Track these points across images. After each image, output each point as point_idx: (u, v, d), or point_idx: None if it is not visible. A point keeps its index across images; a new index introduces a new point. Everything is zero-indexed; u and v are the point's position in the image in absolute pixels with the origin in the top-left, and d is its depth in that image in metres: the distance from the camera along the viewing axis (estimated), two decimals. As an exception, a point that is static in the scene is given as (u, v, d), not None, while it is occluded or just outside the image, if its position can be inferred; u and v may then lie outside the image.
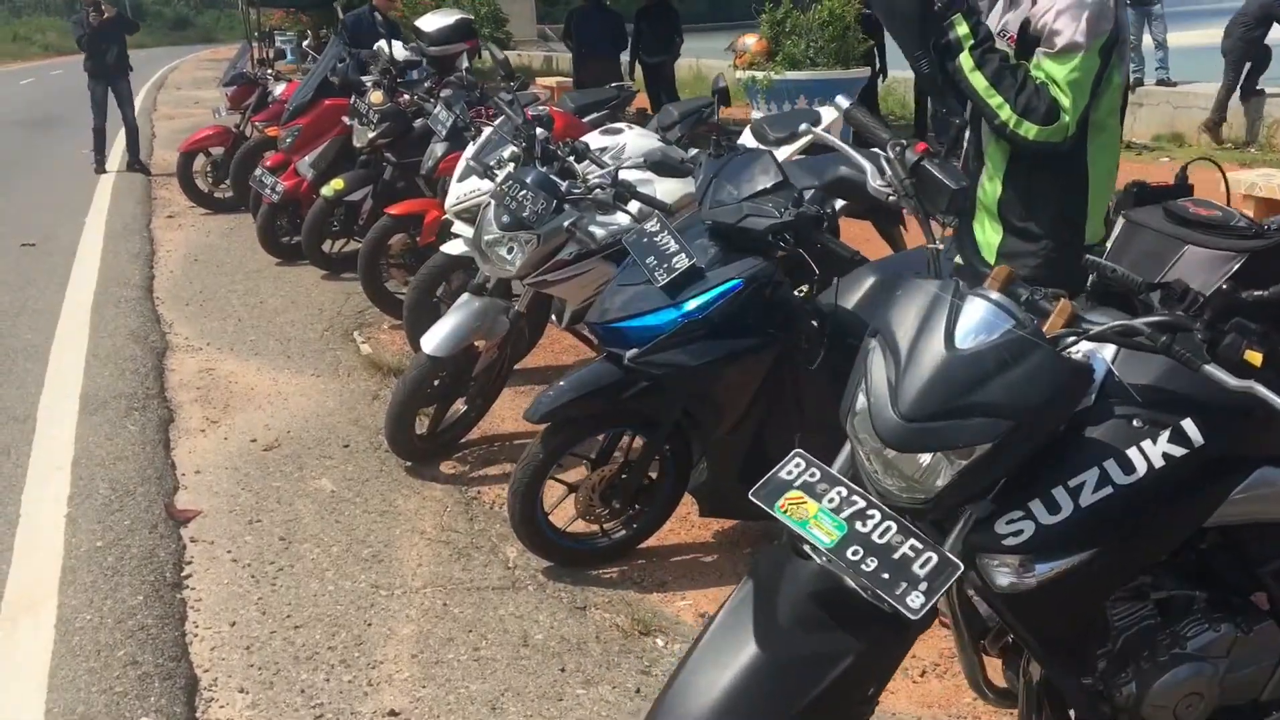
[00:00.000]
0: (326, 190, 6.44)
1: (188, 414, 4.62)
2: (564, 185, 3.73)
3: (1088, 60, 2.45)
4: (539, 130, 3.95)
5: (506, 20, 29.63)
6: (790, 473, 1.75)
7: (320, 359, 5.33)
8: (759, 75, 8.57)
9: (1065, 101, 2.46)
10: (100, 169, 11.05)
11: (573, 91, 8.22)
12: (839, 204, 3.73)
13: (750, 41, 8.97)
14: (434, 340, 3.81)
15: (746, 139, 4.92)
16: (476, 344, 3.95)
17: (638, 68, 12.34)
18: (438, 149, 5.66)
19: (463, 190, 4.59)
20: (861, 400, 1.69)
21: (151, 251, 7.68)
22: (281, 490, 3.89)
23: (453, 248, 4.70)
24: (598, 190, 3.74)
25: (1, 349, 5.49)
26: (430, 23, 8.68)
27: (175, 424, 4.53)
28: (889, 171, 2.79)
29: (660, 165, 3.65)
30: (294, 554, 3.43)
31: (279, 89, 8.80)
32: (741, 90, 9.11)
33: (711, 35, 23.52)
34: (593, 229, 3.75)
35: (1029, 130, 2.48)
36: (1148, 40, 11.76)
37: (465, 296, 3.97)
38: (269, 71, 8.88)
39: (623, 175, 3.73)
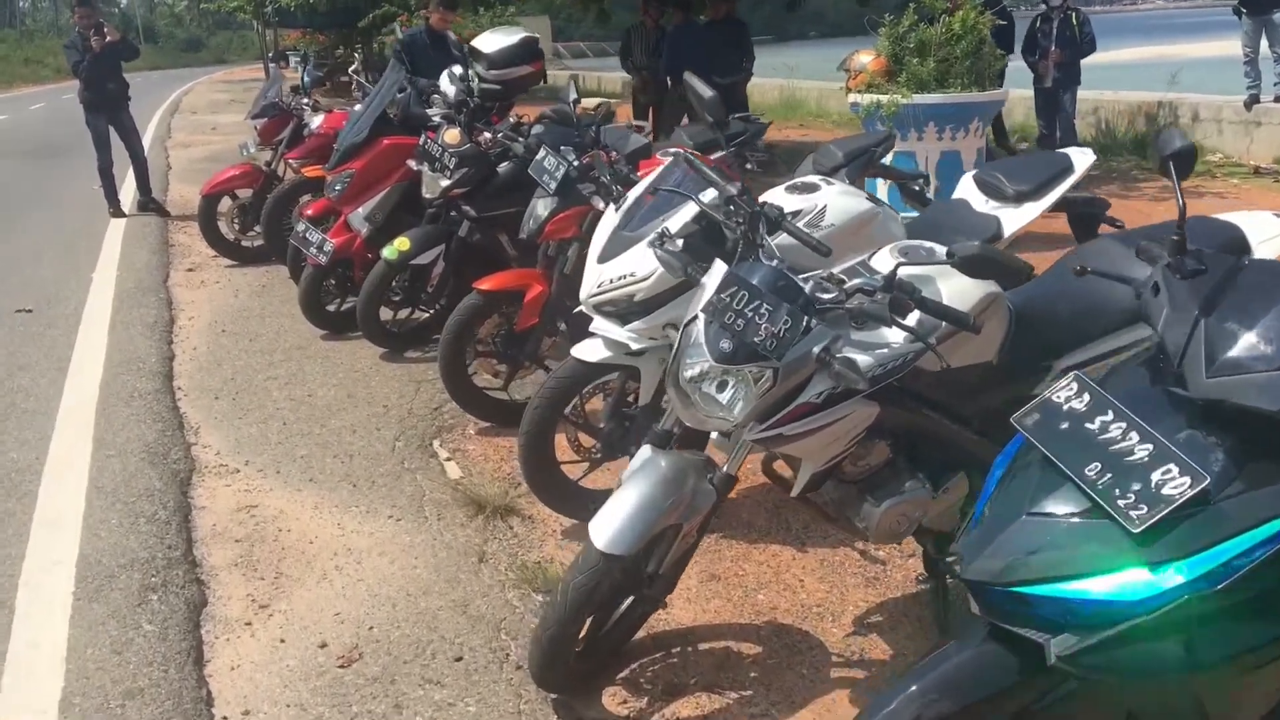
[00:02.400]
0: (389, 252, 5.14)
1: (226, 592, 3.31)
2: (808, 287, 2.42)
3: None
4: (751, 201, 2.63)
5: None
6: None
7: (396, 488, 4.01)
8: (883, 99, 7.26)
9: None
10: (117, 211, 9.79)
11: (690, 126, 6.92)
12: None
13: (866, 60, 7.66)
14: (609, 530, 2.49)
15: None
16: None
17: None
18: (541, 206, 4.37)
19: (612, 273, 3.28)
20: None
21: (170, 319, 6.39)
22: (376, 750, 2.58)
23: (589, 351, 3.40)
24: (861, 297, 2.41)
25: (-22, 474, 4.18)
26: (490, 42, 7.38)
27: (209, 611, 3.21)
28: None
29: (980, 261, 2.29)
30: None
31: (316, 121, 7.52)
32: (857, 117, 7.79)
33: (771, 49, 22.26)
34: (855, 356, 2.42)
35: None
36: (1265, 50, 10.38)
37: (645, 453, 2.65)
38: (305, 101, 7.60)
39: (905, 271, 2.39)
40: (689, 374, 2.45)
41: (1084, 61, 10.02)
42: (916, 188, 4.55)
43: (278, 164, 7.73)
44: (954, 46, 7.44)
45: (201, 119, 21.83)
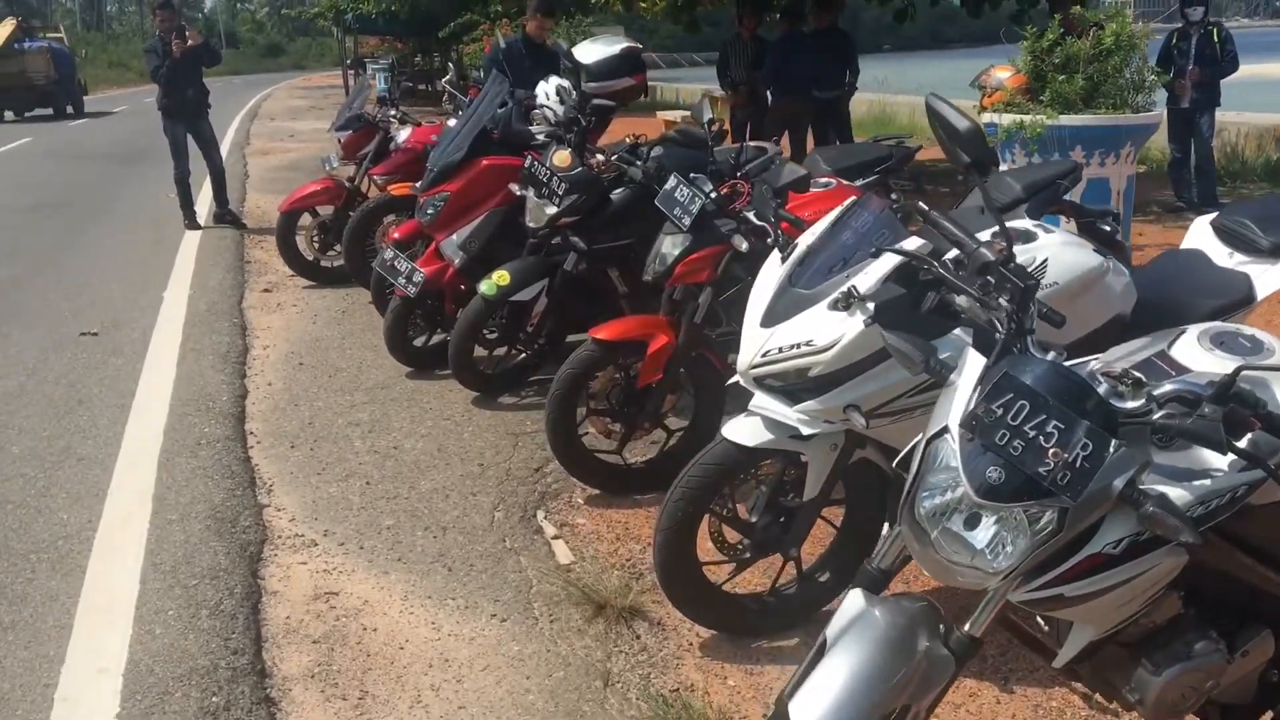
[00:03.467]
0: (487, 287, 4.56)
1: (301, 715, 2.71)
2: (1102, 389, 1.76)
3: None
4: (1021, 271, 1.96)
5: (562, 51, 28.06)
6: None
7: (497, 574, 3.40)
8: (1026, 119, 6.52)
9: None
10: (192, 223, 9.40)
11: (826, 149, 6.29)
12: None
13: (1004, 76, 6.93)
14: (819, 717, 1.84)
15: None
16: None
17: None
18: (670, 244, 3.76)
19: (781, 340, 2.65)
20: None
21: (244, 348, 5.88)
22: None
23: (747, 434, 2.78)
24: (1177, 407, 1.73)
25: (17, 554, 3.65)
26: (589, 52, 6.84)
27: (282, 744, 2.62)
28: None
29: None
30: None
31: (403, 135, 7.01)
32: (994, 140, 7.06)
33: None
34: (1167, 490, 1.75)
35: None
36: None
37: (856, 603, 2.00)
38: (392, 114, 7.08)
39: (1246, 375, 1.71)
40: (926, 507, 1.80)
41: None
42: (1107, 228, 3.84)
43: (361, 180, 7.22)
44: (1105, 62, 6.68)
45: (280, 125, 21.66)
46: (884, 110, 17.14)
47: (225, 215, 9.64)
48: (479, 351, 4.96)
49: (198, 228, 9.43)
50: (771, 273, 2.85)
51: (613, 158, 4.61)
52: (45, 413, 4.91)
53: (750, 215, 3.40)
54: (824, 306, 2.61)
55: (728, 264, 3.68)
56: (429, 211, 5.07)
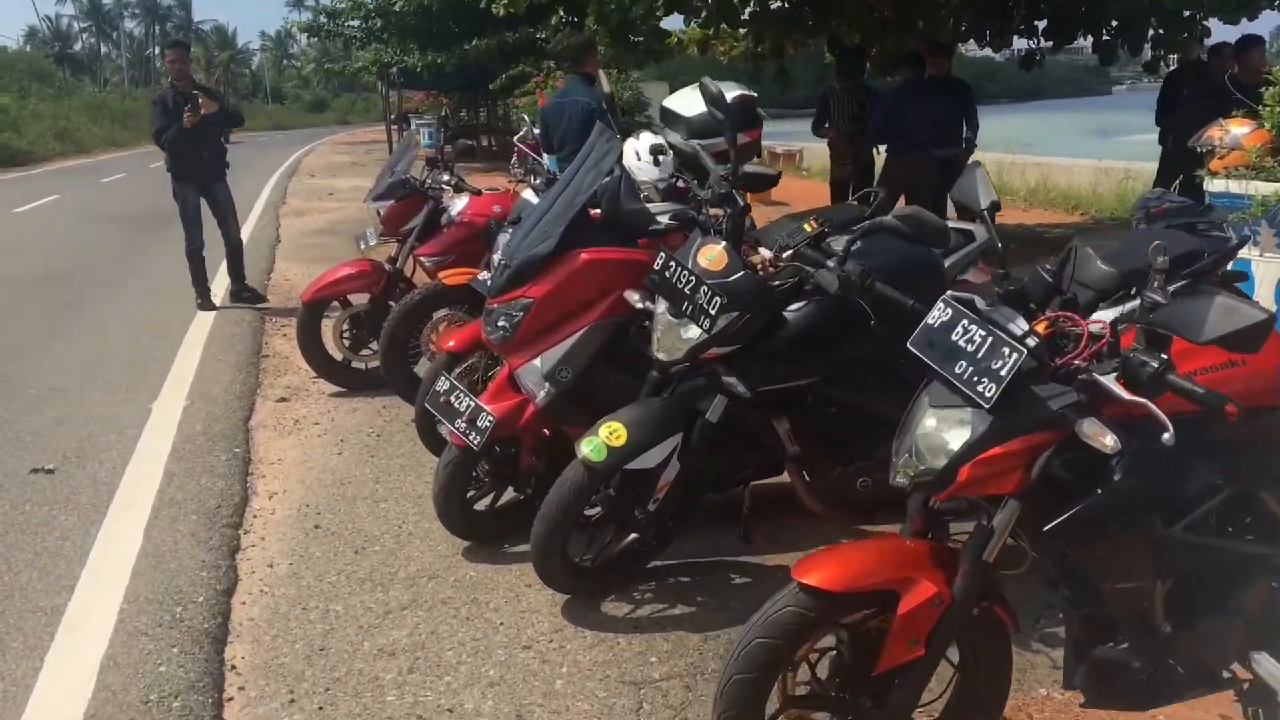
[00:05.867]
0: (592, 448, 3.01)
1: None
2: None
3: None
4: None
5: (648, 104, 26.65)
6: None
7: None
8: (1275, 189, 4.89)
9: None
10: (206, 304, 7.96)
11: (1099, 244, 4.69)
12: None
13: (1240, 132, 5.29)
14: None
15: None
16: None
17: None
18: (944, 425, 2.15)
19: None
20: None
21: (242, 498, 4.32)
22: None
23: None
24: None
25: None
26: (689, 102, 5.30)
27: None
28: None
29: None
30: None
31: (458, 206, 5.51)
32: (1240, 215, 5.38)
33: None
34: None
35: None
36: None
37: None
38: (444, 179, 5.58)
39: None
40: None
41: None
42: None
43: (404, 261, 5.70)
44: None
45: (319, 183, 20.46)
46: (1007, 172, 15.38)
47: (243, 292, 8.19)
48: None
49: (212, 308, 7.98)
50: None
51: (784, 254, 3.02)
52: (-60, 618, 3.36)
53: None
54: None
55: (1049, 462, 2.07)
56: (501, 325, 3.50)
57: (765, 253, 3.05)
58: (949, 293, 2.23)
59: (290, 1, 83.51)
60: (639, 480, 3.19)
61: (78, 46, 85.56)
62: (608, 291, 3.43)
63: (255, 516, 4.16)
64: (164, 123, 7.53)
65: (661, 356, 3.03)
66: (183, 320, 7.71)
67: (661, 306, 3.05)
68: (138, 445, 4.96)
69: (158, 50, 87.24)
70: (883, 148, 8.96)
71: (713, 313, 2.84)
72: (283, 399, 5.74)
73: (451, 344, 4.29)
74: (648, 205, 3.69)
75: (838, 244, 3.02)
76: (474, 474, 3.72)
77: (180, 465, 4.65)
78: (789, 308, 2.98)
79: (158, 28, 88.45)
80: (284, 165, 26.39)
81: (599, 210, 3.70)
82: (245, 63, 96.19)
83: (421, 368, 5.34)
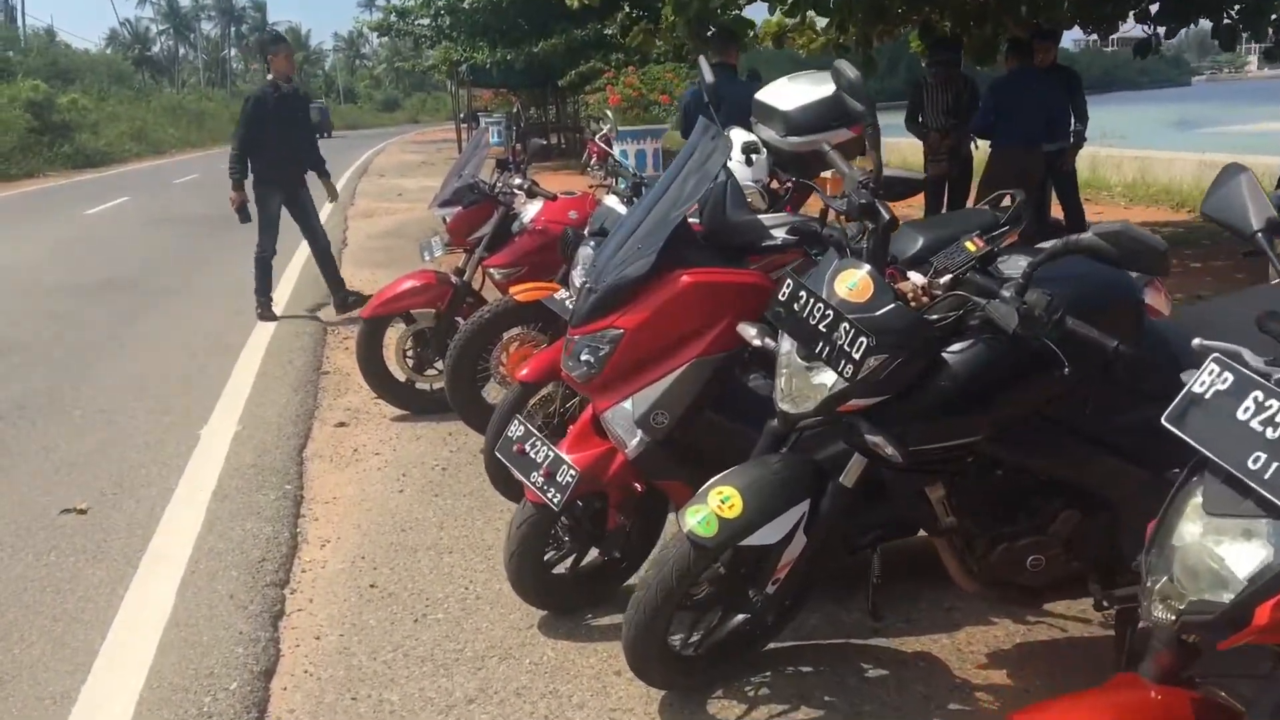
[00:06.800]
0: (700, 522, 2.45)
1: None
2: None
3: None
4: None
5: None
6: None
7: None
8: None
9: None
10: (267, 313, 7.55)
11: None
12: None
13: None
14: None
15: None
16: None
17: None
18: (1224, 540, 1.51)
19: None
20: None
21: (290, 548, 3.82)
22: None
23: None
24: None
25: None
26: (786, 95, 4.66)
27: None
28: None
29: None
30: None
31: (530, 211, 4.98)
32: None
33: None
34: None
35: None
36: None
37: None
38: (516, 182, 5.04)
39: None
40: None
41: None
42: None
43: (472, 274, 5.18)
44: None
45: (389, 182, 20.20)
46: (1102, 166, 14.47)
47: (349, 297, 7.70)
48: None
49: (273, 318, 7.56)
50: None
51: (942, 279, 2.40)
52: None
53: None
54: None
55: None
56: (585, 359, 2.93)
57: (916, 278, 2.43)
58: (1211, 348, 1.61)
59: (362, 2, 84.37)
60: (756, 557, 2.60)
61: (156, 49, 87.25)
62: (714, 321, 2.85)
63: (304, 571, 3.65)
64: (258, 125, 7.22)
65: (787, 408, 2.43)
66: (242, 330, 7.31)
67: (787, 345, 2.45)
68: (181, 479, 4.50)
69: (233, 52, 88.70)
70: (983, 141, 8.29)
71: (856, 356, 2.23)
72: (341, 424, 5.26)
73: (525, 373, 3.74)
74: (759, 215, 3.09)
75: (1009, 267, 2.41)
76: (555, 531, 3.16)
77: (224, 506, 4.17)
78: (949, 348, 2.36)
79: (234, 29, 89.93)
80: (355, 165, 26.28)
81: (698, 221, 3.12)
82: (319, 63, 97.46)
83: (490, 391, 4.83)
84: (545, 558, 3.18)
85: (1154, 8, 9.55)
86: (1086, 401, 2.42)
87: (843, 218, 2.67)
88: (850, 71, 2.62)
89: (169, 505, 4.22)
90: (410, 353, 5.31)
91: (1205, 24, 9.68)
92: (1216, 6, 9.10)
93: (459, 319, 5.15)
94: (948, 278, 2.39)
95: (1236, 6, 8.97)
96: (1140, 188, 13.82)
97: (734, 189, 3.13)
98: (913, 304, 2.37)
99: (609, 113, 9.56)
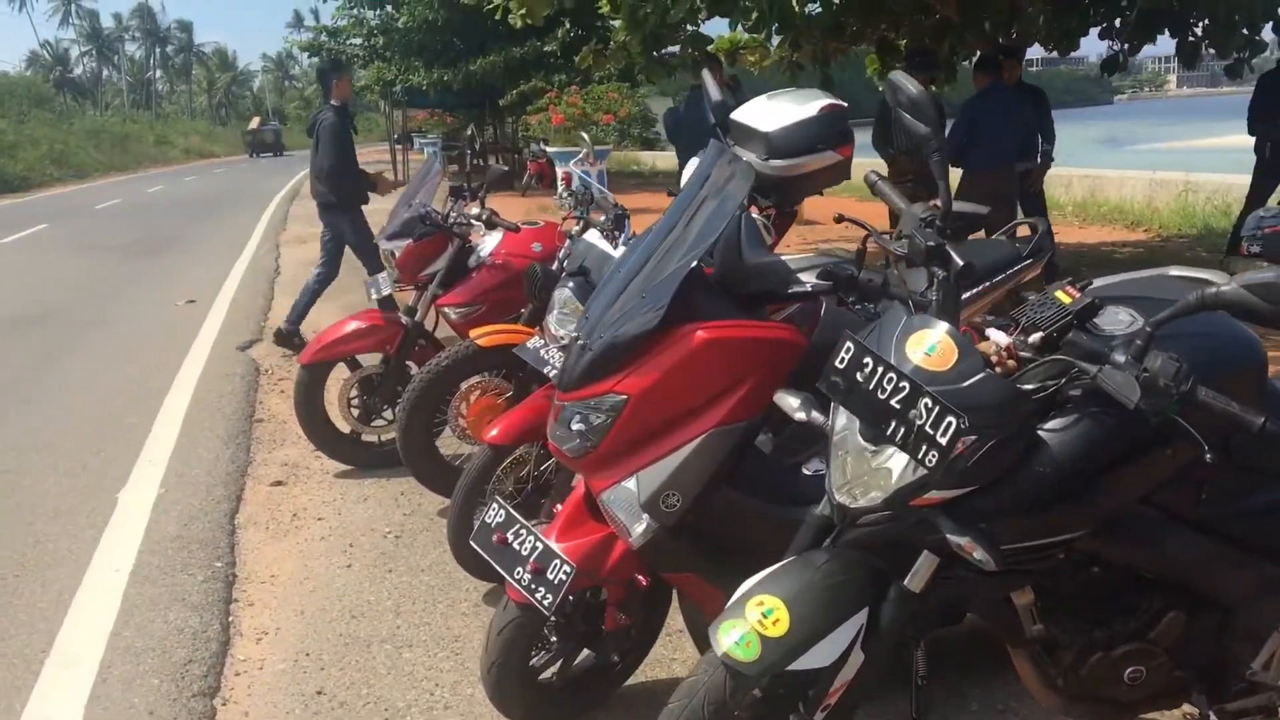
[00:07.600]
0: (738, 640, 1.95)
1: None
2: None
3: None
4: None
5: (655, 121, 25.56)
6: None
7: None
8: None
9: None
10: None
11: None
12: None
13: None
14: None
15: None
16: None
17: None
18: None
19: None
20: None
21: (220, 646, 3.26)
22: None
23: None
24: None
25: None
26: (767, 115, 4.24)
27: None
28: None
29: None
30: None
31: (489, 245, 4.49)
32: None
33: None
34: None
35: None
36: None
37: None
38: (473, 213, 4.53)
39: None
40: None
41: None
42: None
43: (425, 313, 4.65)
44: None
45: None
46: (1051, 185, 14.27)
47: (295, 338, 7.09)
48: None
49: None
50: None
51: (1030, 337, 1.95)
52: None
53: None
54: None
55: None
56: (577, 428, 2.43)
57: (998, 337, 1.97)
58: None
59: (291, 22, 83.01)
60: (804, 682, 2.12)
61: (78, 71, 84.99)
62: (735, 384, 2.37)
63: (238, 674, 3.09)
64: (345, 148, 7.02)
65: (845, 500, 1.96)
66: (167, 370, 6.69)
67: (843, 421, 1.98)
68: (94, 557, 3.90)
69: (158, 73, 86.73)
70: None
71: (943, 440, 1.77)
72: (278, 482, 4.69)
73: (495, 435, 3.24)
74: (781, 257, 2.64)
75: (1106, 321, 1.97)
76: (543, 633, 2.66)
77: (143, 591, 3.59)
78: (1045, 424, 1.91)
79: (158, 50, 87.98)
80: (286, 188, 25.47)
81: (707, 264, 2.66)
82: (246, 85, 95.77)
83: (444, 442, 4.31)
84: (531, 662, 2.67)
85: (1119, 23, 9.36)
86: (1203, 484, 2.00)
87: (896, 261, 2.21)
88: (912, 86, 2.17)
89: (78, 591, 3.62)
90: (355, 401, 4.76)
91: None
92: (1183, 23, 8.92)
93: (410, 363, 4.63)
94: (1037, 335, 1.95)
95: (1204, 23, 8.79)
96: (1091, 206, 13.69)
97: (749, 224, 2.67)
98: (1003, 368, 1.92)
99: (585, 135, 9.05)
